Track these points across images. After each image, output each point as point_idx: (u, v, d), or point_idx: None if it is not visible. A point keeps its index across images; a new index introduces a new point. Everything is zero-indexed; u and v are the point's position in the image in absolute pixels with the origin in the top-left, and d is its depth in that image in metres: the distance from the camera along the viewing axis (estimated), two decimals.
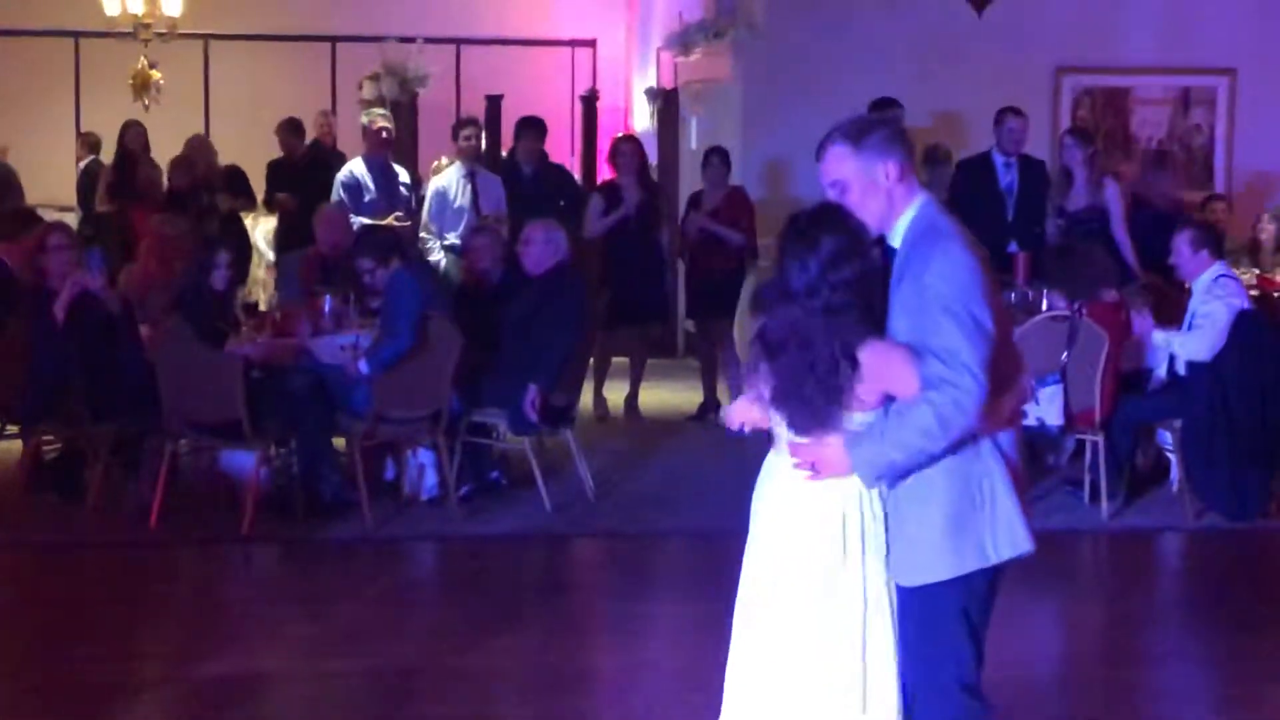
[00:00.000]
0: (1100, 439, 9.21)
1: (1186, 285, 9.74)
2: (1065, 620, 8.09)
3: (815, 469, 4.38)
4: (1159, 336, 9.43)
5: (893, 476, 4.32)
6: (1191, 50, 13.72)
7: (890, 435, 4.20)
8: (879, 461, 4.26)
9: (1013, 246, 10.96)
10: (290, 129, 13.72)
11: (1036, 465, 10.05)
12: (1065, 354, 9.07)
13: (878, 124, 4.50)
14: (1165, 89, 13.95)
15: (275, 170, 13.77)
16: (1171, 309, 10.00)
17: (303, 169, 13.54)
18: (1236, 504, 9.15)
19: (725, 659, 6.29)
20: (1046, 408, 9.05)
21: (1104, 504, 9.20)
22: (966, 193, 11.36)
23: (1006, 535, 4.40)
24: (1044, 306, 9.58)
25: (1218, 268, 9.44)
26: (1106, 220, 11.10)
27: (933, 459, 4.23)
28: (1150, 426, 9.66)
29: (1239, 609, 7.88)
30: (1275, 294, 11.58)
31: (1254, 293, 10.68)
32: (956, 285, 4.15)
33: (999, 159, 11.29)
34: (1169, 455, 9.65)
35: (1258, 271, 12.03)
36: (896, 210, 4.36)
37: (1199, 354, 9.18)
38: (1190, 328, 9.29)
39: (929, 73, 13.20)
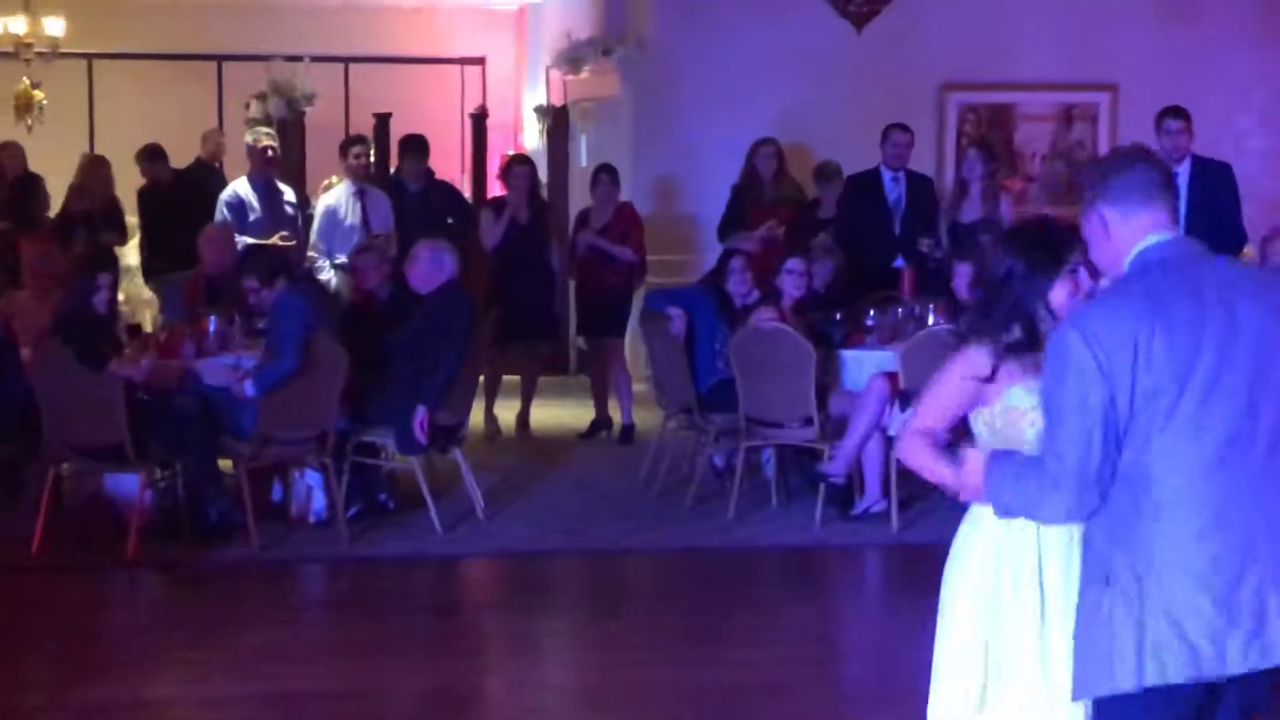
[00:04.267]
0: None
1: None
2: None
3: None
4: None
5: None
6: (1074, 66, 13.91)
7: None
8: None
9: (899, 261, 11.05)
10: (148, 156, 13.42)
11: (922, 479, 10.13)
12: None
13: None
14: (1049, 105, 14.14)
15: (144, 198, 13.49)
16: None
17: (174, 191, 13.25)
18: None
19: (619, 678, 6.35)
20: None
21: None
22: (854, 208, 11.46)
23: None
24: (930, 320, 9.66)
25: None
26: (998, 233, 11.20)
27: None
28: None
29: None
30: None
31: None
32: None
33: (887, 174, 11.38)
34: None
35: None
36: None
37: None
38: None
39: (817, 89, 13.30)
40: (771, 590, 8.70)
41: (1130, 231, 3.70)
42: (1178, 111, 10.48)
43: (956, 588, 4.28)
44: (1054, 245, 4.12)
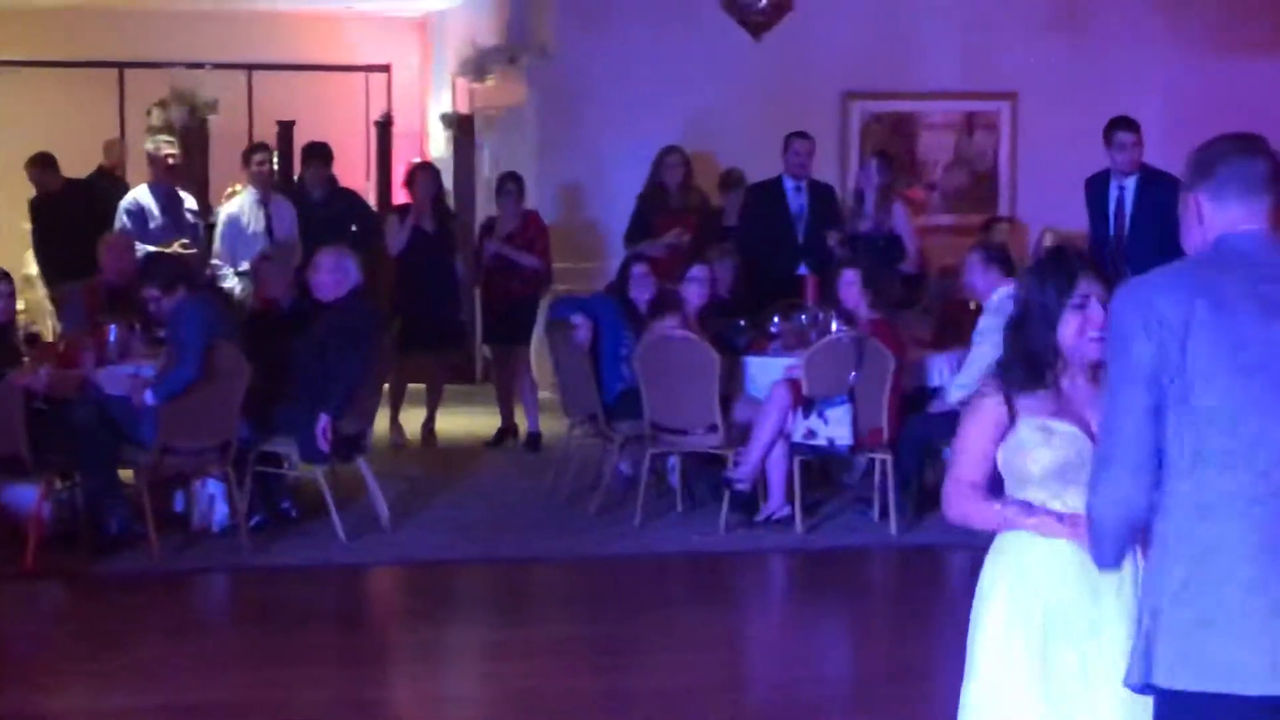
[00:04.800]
0: (888, 457, 9.37)
1: (974, 304, 9.95)
2: (856, 636, 8.22)
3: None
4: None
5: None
6: (975, 76, 14.02)
7: None
8: None
9: (803, 268, 11.10)
10: (38, 164, 13.25)
11: (828, 484, 10.22)
12: (853, 374, 9.21)
13: None
14: (950, 113, 14.25)
15: (35, 207, 13.32)
16: (959, 328, 10.24)
17: (66, 200, 13.10)
18: None
19: (526, 686, 6.32)
20: (836, 428, 9.19)
21: (893, 521, 9.35)
22: (757, 216, 11.51)
23: None
24: (833, 327, 9.71)
25: (1007, 288, 9.64)
26: (892, 242, 11.32)
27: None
28: (936, 445, 9.82)
29: None
30: None
31: None
32: None
33: (789, 183, 11.43)
34: None
35: None
36: None
37: (973, 383, 9.34)
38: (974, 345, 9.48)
39: (722, 98, 13.34)
40: (677, 596, 8.73)
41: (1222, 222, 3.53)
42: (1129, 123, 10.34)
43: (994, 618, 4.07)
44: (1056, 276, 3.95)
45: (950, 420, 9.39)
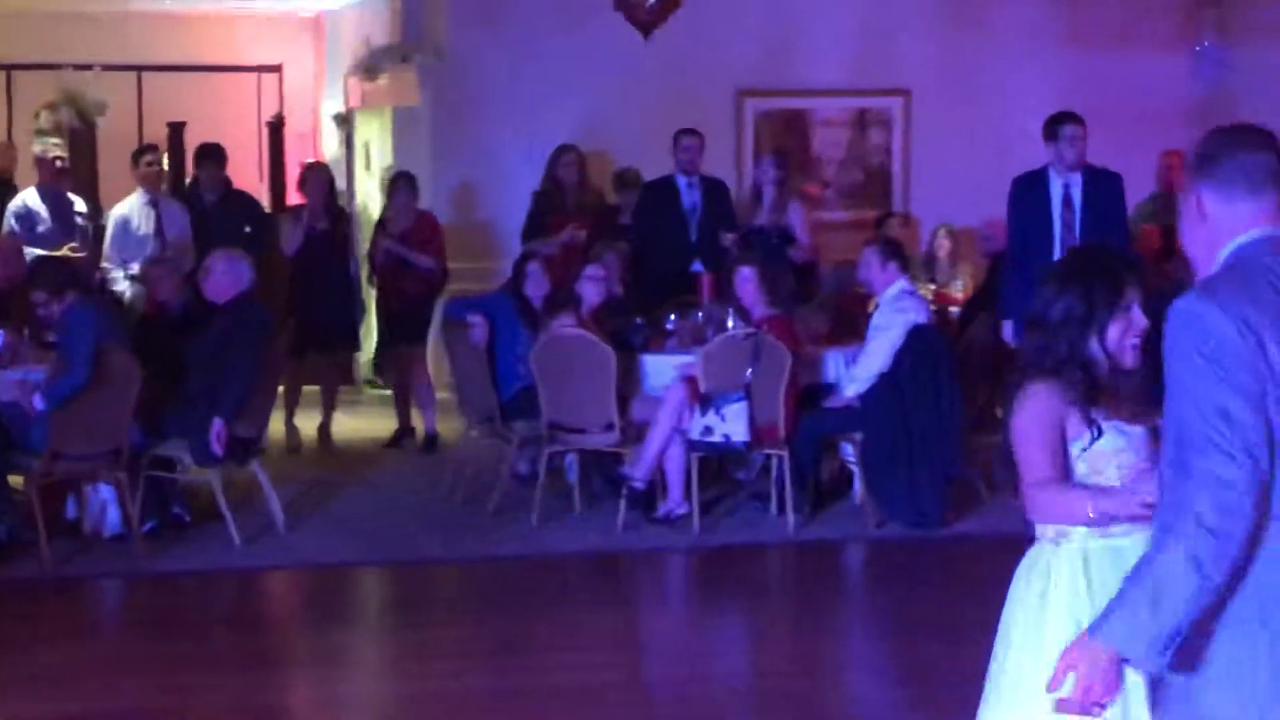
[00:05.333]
0: (785, 453, 9.40)
1: (872, 299, 10.01)
2: (754, 633, 8.25)
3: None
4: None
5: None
6: (868, 73, 14.08)
7: None
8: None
9: (697, 265, 11.11)
10: None
11: (725, 481, 10.25)
12: (749, 371, 9.23)
13: None
14: (843, 110, 14.30)
15: None
16: (854, 323, 10.30)
17: None
18: (916, 513, 9.42)
19: (425, 688, 6.27)
20: (733, 424, 9.21)
21: (790, 517, 9.38)
22: (650, 214, 11.52)
23: None
24: (729, 325, 9.73)
25: (902, 283, 9.73)
26: (787, 238, 11.36)
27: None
28: (832, 440, 9.90)
29: (922, 615, 8.10)
30: (950, 308, 11.98)
31: (931, 307, 10.99)
32: None
33: (681, 180, 11.45)
34: (851, 467, 9.88)
35: (934, 286, 12.41)
36: None
37: (868, 377, 9.44)
38: (868, 340, 9.56)
39: (614, 96, 13.32)
40: (576, 596, 8.71)
41: (1229, 220, 3.34)
42: (1075, 117, 9.92)
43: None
44: (1112, 278, 3.90)
45: (846, 415, 9.57)
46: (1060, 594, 3.91)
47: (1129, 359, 3.90)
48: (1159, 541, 3.25)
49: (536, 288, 10.07)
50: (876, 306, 9.83)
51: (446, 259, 11.98)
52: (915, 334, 9.42)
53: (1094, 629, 3.33)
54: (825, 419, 9.62)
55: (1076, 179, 9.82)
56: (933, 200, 13.88)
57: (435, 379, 12.12)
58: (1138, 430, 3.89)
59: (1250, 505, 3.14)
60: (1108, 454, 3.88)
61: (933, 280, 12.60)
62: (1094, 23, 14.10)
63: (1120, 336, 3.89)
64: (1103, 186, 9.78)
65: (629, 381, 9.66)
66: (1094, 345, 3.90)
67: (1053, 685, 3.40)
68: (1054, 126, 9.89)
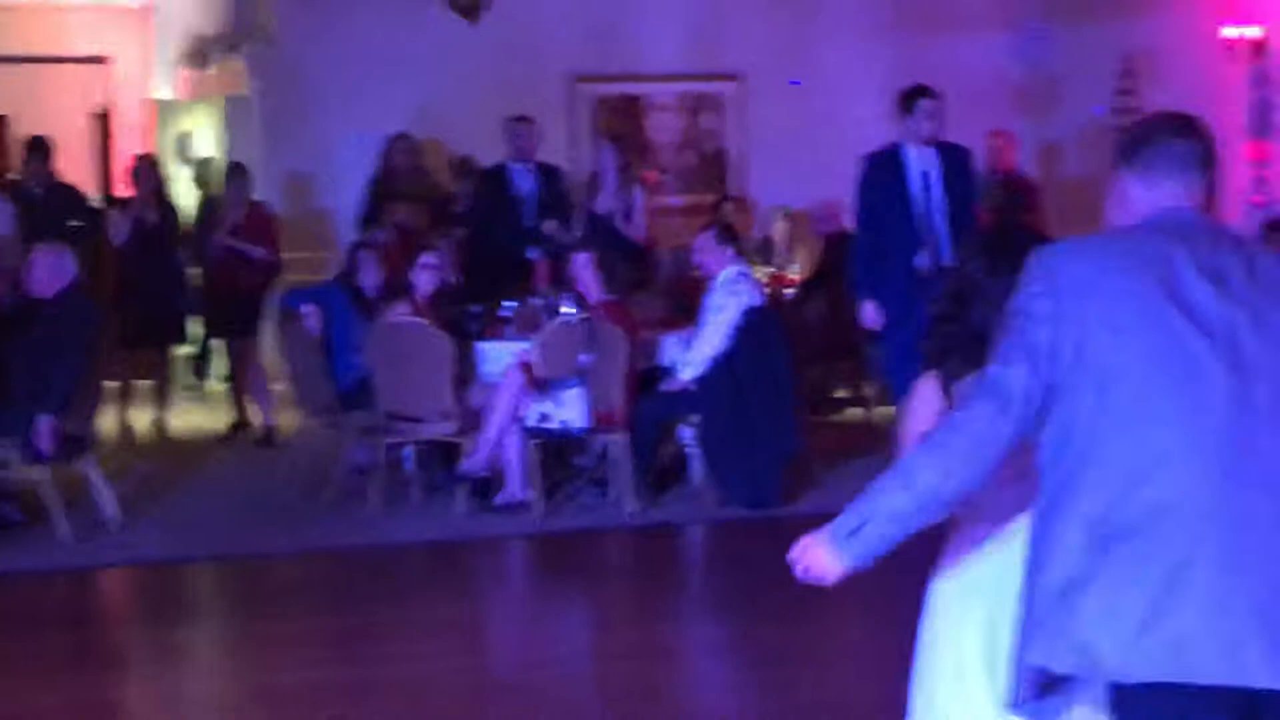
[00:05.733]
0: (623, 438, 9.40)
1: (708, 283, 10.03)
2: (596, 617, 8.24)
3: None
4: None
5: None
6: (702, 58, 14.13)
7: None
8: None
9: (532, 252, 11.08)
10: None
11: (564, 467, 10.23)
12: (585, 356, 9.22)
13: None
14: (677, 95, 14.34)
15: None
16: (690, 307, 10.32)
17: None
18: (755, 493, 9.46)
19: (267, 682, 6.16)
20: (570, 410, 9.20)
21: (629, 501, 9.40)
22: (485, 201, 11.48)
23: None
24: (565, 311, 9.71)
25: (738, 266, 9.77)
26: (635, 221, 11.39)
27: None
28: (670, 423, 9.92)
29: (762, 596, 8.12)
30: (786, 290, 12.05)
31: (767, 289, 11.06)
32: None
33: (516, 167, 11.41)
34: (689, 450, 9.91)
35: (770, 269, 12.49)
36: None
37: (704, 360, 9.47)
38: (704, 323, 9.59)
39: (451, 84, 13.25)
40: (416, 585, 8.63)
41: (1152, 203, 3.38)
42: (930, 91, 9.55)
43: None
44: (1011, 254, 3.69)
45: (683, 398, 9.59)
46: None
47: None
48: None
49: (370, 277, 9.99)
50: (711, 290, 9.85)
51: (280, 249, 11.85)
52: (750, 316, 9.46)
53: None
54: (663, 403, 9.64)
55: (931, 154, 9.44)
56: (768, 183, 13.97)
57: (272, 371, 11.98)
58: None
59: (981, 452, 3.25)
60: None
61: (769, 263, 12.68)
62: (920, 6, 14.26)
63: None
64: (957, 160, 9.54)
65: (466, 369, 9.61)
66: (993, 320, 3.65)
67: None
68: (910, 100, 9.51)
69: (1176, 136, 3.39)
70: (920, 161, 9.40)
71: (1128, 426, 3.15)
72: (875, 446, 10.91)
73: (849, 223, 12.76)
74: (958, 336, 3.81)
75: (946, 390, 3.78)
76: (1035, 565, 3.25)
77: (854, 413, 12.30)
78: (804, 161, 13.80)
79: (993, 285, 3.72)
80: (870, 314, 9.42)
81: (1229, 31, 13.49)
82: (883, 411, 11.61)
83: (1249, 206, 13.37)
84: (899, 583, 8.35)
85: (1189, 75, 13.93)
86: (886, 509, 3.34)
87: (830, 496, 9.69)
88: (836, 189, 13.15)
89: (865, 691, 6.64)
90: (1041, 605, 3.20)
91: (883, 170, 9.48)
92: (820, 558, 3.44)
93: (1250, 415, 3.13)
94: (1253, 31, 13.35)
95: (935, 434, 3.35)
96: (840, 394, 12.60)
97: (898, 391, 9.06)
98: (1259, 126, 13.46)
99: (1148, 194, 3.38)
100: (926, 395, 3.84)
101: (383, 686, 6.81)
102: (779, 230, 13.03)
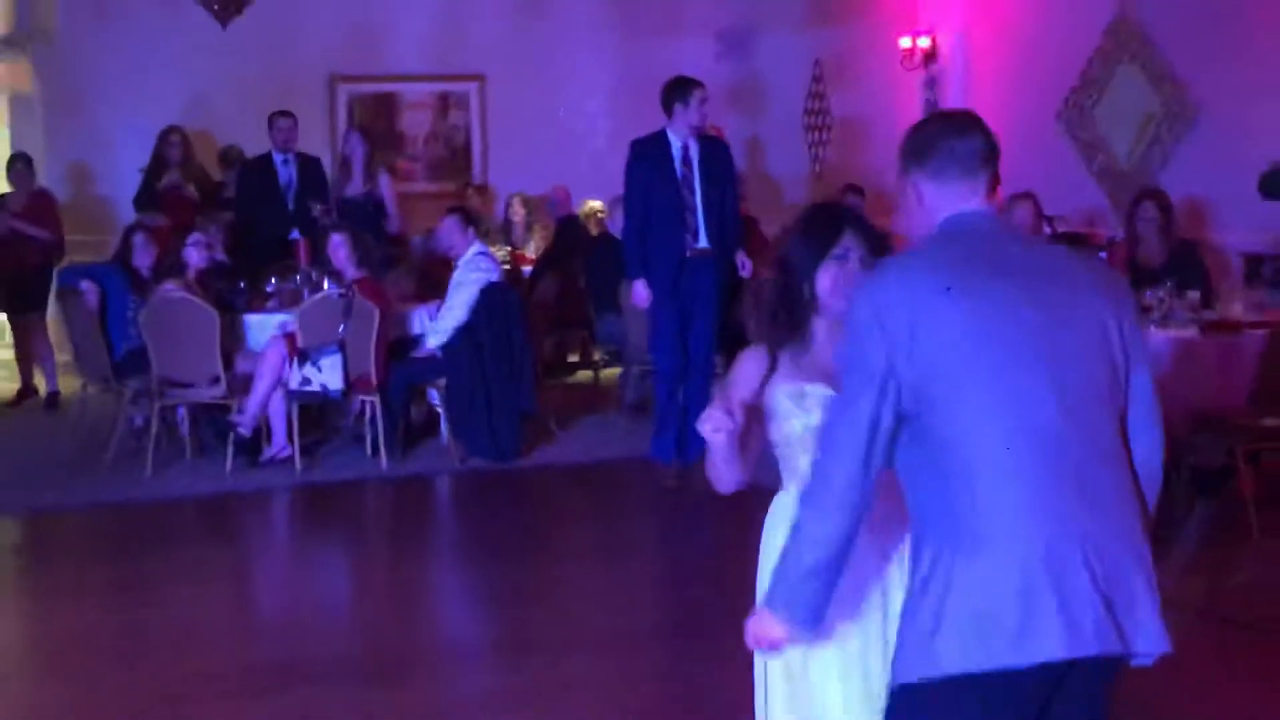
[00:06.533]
0: (377, 400, 9.30)
1: (453, 260, 9.96)
2: (356, 560, 8.15)
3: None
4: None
5: None
6: (448, 59, 14.02)
7: None
8: None
9: (294, 234, 10.89)
10: None
11: (324, 426, 10.10)
12: (342, 327, 9.10)
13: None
14: (427, 93, 14.22)
15: None
16: (438, 283, 10.24)
17: None
18: (495, 448, 9.45)
19: (40, 629, 5.93)
20: (329, 375, 9.07)
21: (383, 456, 9.30)
22: (251, 188, 11.30)
23: None
24: (325, 285, 9.56)
25: (478, 246, 9.71)
26: (378, 207, 11.23)
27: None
28: (420, 386, 9.85)
29: (503, 538, 8.14)
30: (524, 268, 12.03)
31: (507, 267, 11.02)
32: None
33: (278, 157, 11.21)
34: (437, 410, 9.85)
35: (510, 249, 12.45)
36: None
37: (449, 330, 9.41)
38: (449, 297, 9.52)
39: (216, 80, 12.97)
40: (189, 536, 8.44)
41: (944, 202, 3.12)
42: (700, 83, 8.95)
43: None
44: (820, 229, 3.53)
45: (431, 364, 9.52)
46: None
47: (840, 308, 3.39)
48: None
49: (143, 256, 9.74)
50: (456, 267, 9.79)
51: (63, 232, 11.51)
52: (490, 291, 9.43)
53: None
54: (413, 368, 9.56)
55: (694, 143, 8.89)
56: (507, 172, 13.95)
57: (56, 342, 11.61)
58: (818, 390, 3.46)
59: (848, 496, 3.00)
60: (782, 415, 3.52)
61: (509, 243, 12.64)
62: (641, 14, 14.31)
63: (833, 282, 3.49)
64: (717, 151, 9.08)
65: (233, 339, 9.41)
66: (804, 291, 3.52)
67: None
68: (683, 91, 8.85)
69: (962, 135, 3.15)
70: (683, 149, 8.87)
71: (974, 434, 2.93)
72: (602, 405, 11.01)
73: (577, 208, 12.88)
74: (779, 310, 3.55)
75: (773, 357, 3.52)
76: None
77: (584, 375, 12.35)
78: (539, 152, 13.80)
79: (808, 262, 3.51)
80: (640, 292, 8.85)
81: (904, 41, 13.76)
82: (609, 374, 11.68)
83: None
84: (622, 530, 8.47)
85: (872, 79, 14.22)
86: (797, 570, 3.07)
87: (561, 450, 9.77)
88: (568, 177, 13.23)
89: (592, 622, 6.68)
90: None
91: (649, 155, 8.89)
92: (768, 630, 3.18)
93: (1065, 416, 2.95)
94: (924, 41, 13.65)
95: (808, 486, 3.10)
96: (572, 359, 12.64)
97: (661, 365, 9.05)
98: None
99: (941, 195, 3.13)
100: (749, 366, 3.56)
101: (157, 628, 6.66)
102: (517, 214, 12.99)
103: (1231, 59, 11.10)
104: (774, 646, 3.24)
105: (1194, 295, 8.09)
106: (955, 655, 2.89)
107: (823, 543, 3.03)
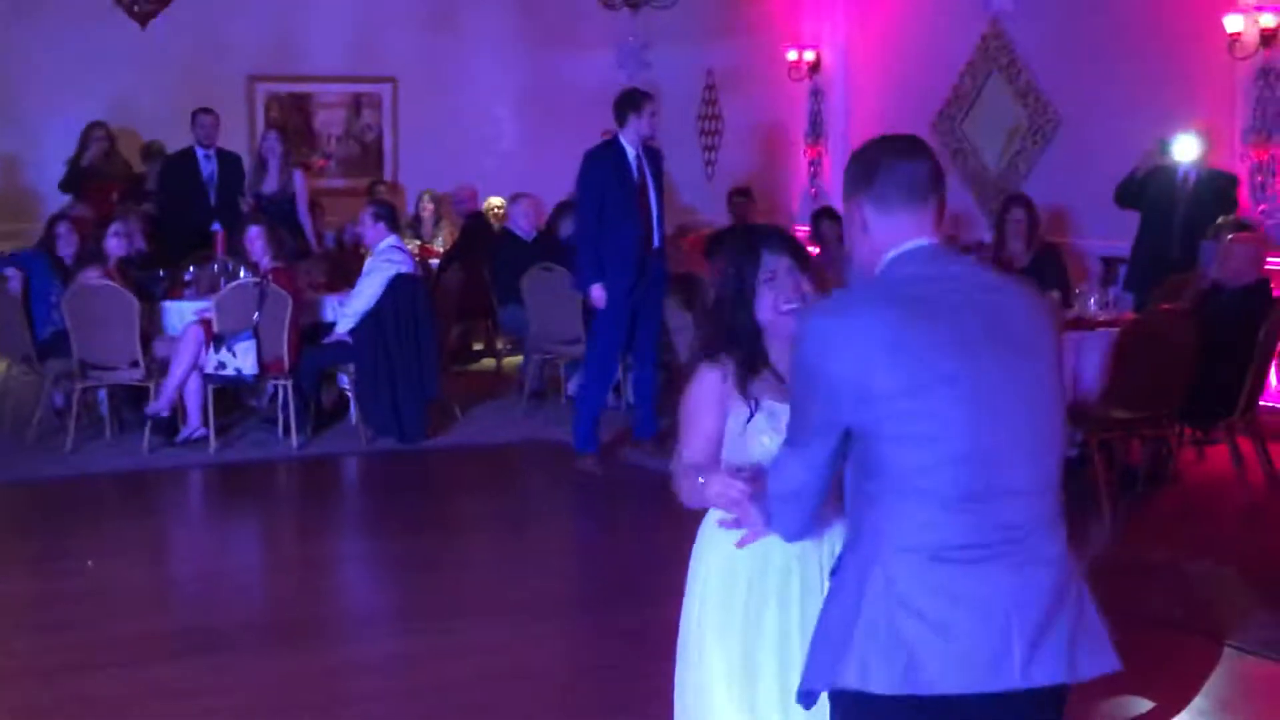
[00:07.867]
0: (289, 383, 9.26)
1: (363, 250, 9.93)
2: (266, 533, 8.14)
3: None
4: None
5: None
6: (362, 62, 13.98)
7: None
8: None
9: (215, 225, 10.81)
10: None
11: (239, 408, 10.04)
12: (256, 313, 9.06)
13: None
14: (341, 94, 14.17)
15: None
16: (349, 272, 10.22)
17: None
18: (401, 430, 9.43)
19: None
20: (243, 359, 9.03)
21: (294, 437, 9.27)
22: (173, 181, 11.22)
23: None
24: (241, 274, 9.50)
25: (392, 239, 9.69)
26: (292, 203, 11.19)
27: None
28: (330, 370, 9.82)
29: (407, 513, 8.15)
30: (431, 260, 12.02)
31: (416, 259, 11.00)
32: None
33: (200, 152, 11.12)
34: (347, 393, 9.82)
35: (420, 242, 12.44)
36: None
37: (357, 315, 9.39)
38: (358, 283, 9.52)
39: (144, 79, 12.86)
40: (107, 511, 8.36)
41: (890, 231, 2.84)
42: (652, 96, 9.00)
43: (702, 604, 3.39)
44: (739, 261, 3.31)
45: (341, 349, 9.49)
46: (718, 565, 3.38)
47: (787, 325, 3.19)
48: None
49: (66, 245, 9.66)
50: (369, 257, 9.78)
51: None
52: (399, 282, 9.41)
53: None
54: (324, 353, 9.53)
55: (640, 151, 8.66)
56: (417, 170, 13.95)
57: None
58: (784, 408, 3.07)
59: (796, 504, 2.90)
60: (756, 433, 3.28)
61: (418, 237, 12.63)
62: (544, 26, 14.34)
63: (772, 305, 3.29)
64: (658, 159, 8.82)
65: (152, 325, 9.34)
66: (745, 319, 3.31)
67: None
68: (637, 103, 8.65)
69: (905, 159, 2.87)
70: (635, 157, 8.62)
71: (908, 462, 2.73)
72: (504, 391, 11.03)
73: (482, 205, 12.91)
74: (723, 328, 3.34)
75: (736, 381, 3.31)
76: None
77: (487, 363, 12.37)
78: (447, 152, 13.80)
79: (742, 295, 3.31)
80: (597, 294, 8.59)
81: (791, 54, 13.89)
82: (510, 362, 11.71)
83: (806, 196, 13.84)
84: (519, 508, 8.50)
85: (761, 89, 14.33)
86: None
87: (464, 432, 9.79)
88: (472, 177, 13.25)
89: (488, 591, 6.73)
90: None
91: (606, 163, 8.62)
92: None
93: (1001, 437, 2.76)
94: (809, 54, 13.78)
95: (773, 517, 2.97)
96: (476, 348, 12.65)
97: (606, 365, 8.90)
98: (813, 133, 13.91)
99: (887, 226, 2.84)
100: (706, 388, 3.34)
101: (74, 596, 6.61)
102: (426, 209, 12.99)
103: (1091, 76, 11.32)
104: (737, 504, 3.11)
105: (1054, 295, 8.26)
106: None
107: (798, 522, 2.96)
